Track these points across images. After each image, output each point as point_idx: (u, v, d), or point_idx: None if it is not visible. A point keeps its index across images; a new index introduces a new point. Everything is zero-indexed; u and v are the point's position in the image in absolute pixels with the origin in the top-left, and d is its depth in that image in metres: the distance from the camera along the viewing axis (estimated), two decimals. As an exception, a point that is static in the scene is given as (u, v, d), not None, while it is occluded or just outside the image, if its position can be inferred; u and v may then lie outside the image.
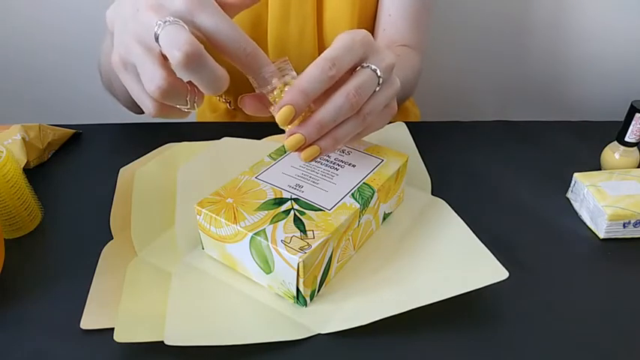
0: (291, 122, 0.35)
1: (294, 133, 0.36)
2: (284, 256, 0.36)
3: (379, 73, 0.38)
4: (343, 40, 0.37)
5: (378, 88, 0.38)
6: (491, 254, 0.41)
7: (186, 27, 0.32)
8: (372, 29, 0.69)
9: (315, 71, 0.35)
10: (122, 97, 0.60)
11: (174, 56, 0.31)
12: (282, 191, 0.41)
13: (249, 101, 0.38)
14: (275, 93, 0.37)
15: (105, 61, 0.58)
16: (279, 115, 0.35)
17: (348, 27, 0.64)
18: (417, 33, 0.66)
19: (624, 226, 0.46)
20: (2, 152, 0.43)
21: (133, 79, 0.35)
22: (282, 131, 0.38)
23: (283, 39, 0.65)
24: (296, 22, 0.64)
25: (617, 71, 1.02)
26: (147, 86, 0.33)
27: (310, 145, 0.37)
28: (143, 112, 0.67)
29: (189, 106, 0.35)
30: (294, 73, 0.37)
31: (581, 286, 0.42)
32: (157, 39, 0.32)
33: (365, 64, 0.37)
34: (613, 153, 0.54)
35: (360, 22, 0.66)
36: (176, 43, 0.31)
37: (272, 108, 0.38)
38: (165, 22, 0.32)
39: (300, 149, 0.37)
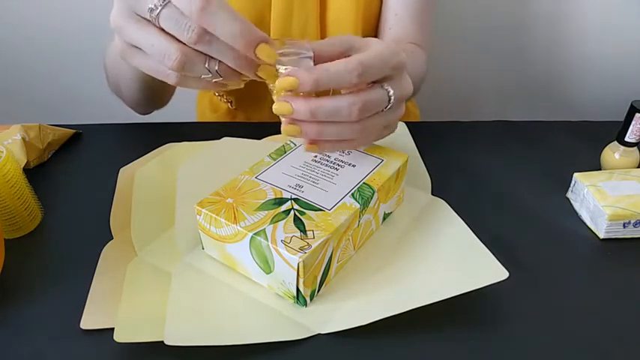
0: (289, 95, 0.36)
1: (287, 102, 0.36)
2: (284, 256, 0.36)
3: (392, 100, 0.38)
4: (383, 54, 0.36)
5: (384, 110, 0.38)
6: (491, 254, 0.41)
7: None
8: (375, 28, 0.69)
9: (342, 70, 0.35)
10: (128, 97, 0.60)
11: (186, 37, 0.32)
12: (282, 191, 0.41)
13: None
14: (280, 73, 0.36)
15: (110, 64, 0.58)
16: (282, 81, 0.35)
17: (352, 26, 0.64)
18: (422, 32, 0.66)
19: (624, 226, 0.46)
20: (2, 152, 0.43)
21: (144, 58, 0.35)
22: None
23: None
24: (298, 22, 0.64)
25: (617, 71, 1.02)
26: (165, 64, 0.33)
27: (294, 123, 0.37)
28: (149, 112, 0.67)
29: (211, 75, 0.35)
30: (309, 53, 0.37)
31: (581, 286, 0.42)
32: (157, 21, 0.33)
33: (385, 85, 0.37)
34: (613, 153, 0.54)
35: (365, 22, 0.66)
36: (180, 25, 0.32)
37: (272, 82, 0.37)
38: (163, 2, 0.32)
39: (285, 122, 0.37)
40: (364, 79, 0.36)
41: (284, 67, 0.36)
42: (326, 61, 0.36)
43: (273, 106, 0.37)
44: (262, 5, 0.63)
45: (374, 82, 0.38)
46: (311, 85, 0.34)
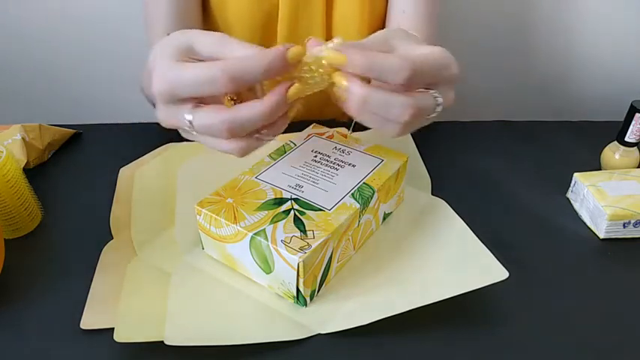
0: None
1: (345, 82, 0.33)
2: (284, 256, 0.36)
3: (439, 109, 0.36)
4: (439, 59, 0.35)
5: (427, 117, 0.36)
6: (491, 254, 0.41)
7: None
8: (381, 27, 0.68)
9: (395, 67, 0.32)
10: None
11: (221, 136, 0.33)
12: (282, 191, 0.41)
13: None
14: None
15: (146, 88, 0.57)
16: (331, 53, 0.32)
17: (357, 26, 0.64)
18: (430, 27, 0.66)
19: (624, 226, 0.46)
20: (2, 152, 0.43)
21: (197, 138, 0.36)
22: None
23: (292, 39, 0.65)
24: (304, 23, 0.64)
25: (617, 71, 1.02)
26: (224, 151, 0.35)
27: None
28: None
29: (264, 138, 0.35)
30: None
31: (581, 286, 0.42)
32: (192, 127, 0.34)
33: (433, 92, 0.36)
34: (613, 153, 0.54)
35: (371, 21, 0.66)
36: (214, 132, 0.33)
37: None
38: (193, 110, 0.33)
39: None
40: (412, 86, 0.34)
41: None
42: None
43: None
44: (269, 7, 0.63)
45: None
46: (359, 68, 0.32)
